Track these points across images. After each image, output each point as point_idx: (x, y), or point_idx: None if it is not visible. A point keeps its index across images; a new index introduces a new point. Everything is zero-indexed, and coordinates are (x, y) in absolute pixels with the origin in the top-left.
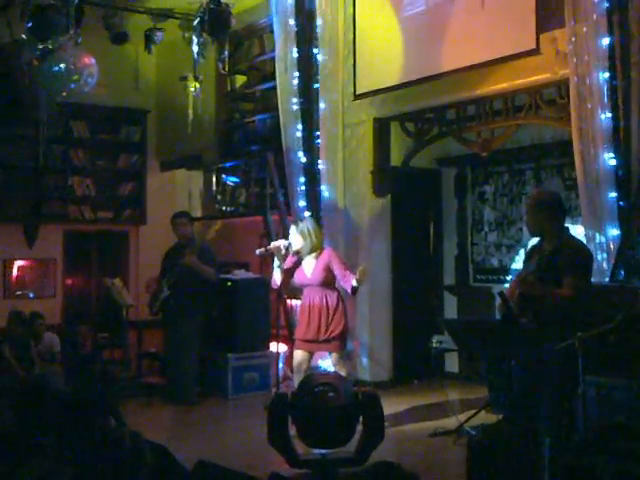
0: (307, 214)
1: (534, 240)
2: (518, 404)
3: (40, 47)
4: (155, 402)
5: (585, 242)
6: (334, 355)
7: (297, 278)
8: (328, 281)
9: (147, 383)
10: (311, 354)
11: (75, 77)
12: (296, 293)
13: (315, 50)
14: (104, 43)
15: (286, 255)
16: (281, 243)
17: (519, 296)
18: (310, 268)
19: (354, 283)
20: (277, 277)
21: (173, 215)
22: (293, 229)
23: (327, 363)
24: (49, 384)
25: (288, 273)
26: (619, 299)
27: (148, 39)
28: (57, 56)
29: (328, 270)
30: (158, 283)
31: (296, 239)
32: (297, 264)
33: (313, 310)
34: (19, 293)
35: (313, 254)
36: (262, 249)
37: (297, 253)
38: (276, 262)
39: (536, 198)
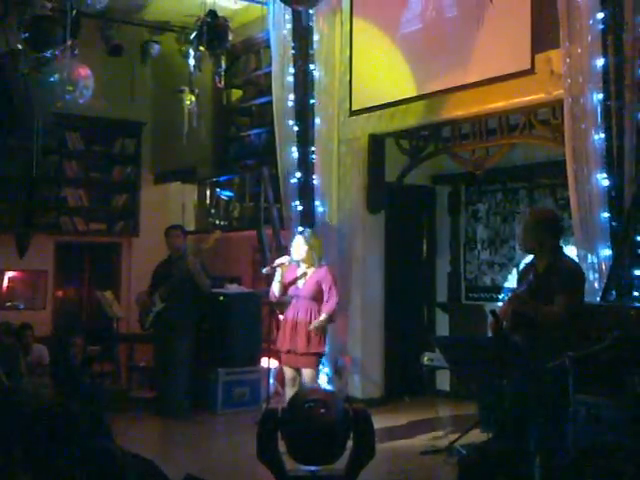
0: (301, 229)
1: (528, 258)
2: (509, 423)
3: (36, 58)
4: (144, 416)
5: (578, 261)
6: (308, 371)
7: (290, 289)
8: (316, 296)
9: (137, 397)
10: (298, 371)
11: (70, 88)
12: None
13: (311, 66)
14: (100, 55)
15: (289, 268)
16: (286, 259)
17: (512, 313)
18: (303, 280)
19: (313, 326)
20: (276, 290)
21: (167, 228)
22: (299, 239)
23: (321, 380)
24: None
25: (287, 287)
26: (610, 319)
27: (144, 51)
28: (53, 67)
29: (319, 286)
30: (149, 297)
31: (299, 250)
32: (296, 279)
33: (298, 322)
34: (9, 304)
35: (311, 268)
36: (268, 268)
37: (300, 262)
38: (277, 277)
39: (536, 215)
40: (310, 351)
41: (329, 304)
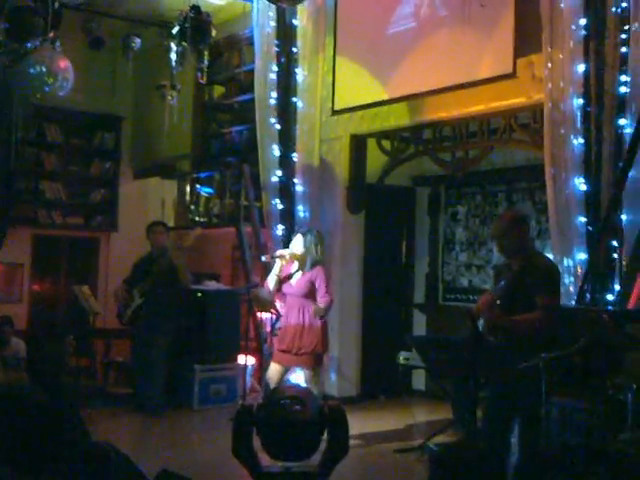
0: (281, 227)
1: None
2: (483, 422)
3: (16, 49)
4: (120, 412)
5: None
6: (306, 372)
7: (284, 287)
8: (309, 294)
9: (113, 393)
10: (286, 369)
11: (50, 80)
12: (266, 306)
13: (294, 64)
14: (81, 48)
15: (288, 263)
16: (287, 252)
17: (486, 323)
18: (296, 279)
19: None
20: (271, 283)
21: (150, 223)
22: (300, 239)
23: (299, 379)
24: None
25: (283, 281)
26: (585, 322)
27: (125, 45)
28: (33, 58)
29: (311, 284)
30: (128, 292)
31: (298, 249)
32: (292, 275)
33: (290, 321)
34: None
35: (308, 267)
36: (268, 256)
37: (297, 261)
38: (275, 270)
39: (512, 217)
40: (304, 351)
41: (325, 299)
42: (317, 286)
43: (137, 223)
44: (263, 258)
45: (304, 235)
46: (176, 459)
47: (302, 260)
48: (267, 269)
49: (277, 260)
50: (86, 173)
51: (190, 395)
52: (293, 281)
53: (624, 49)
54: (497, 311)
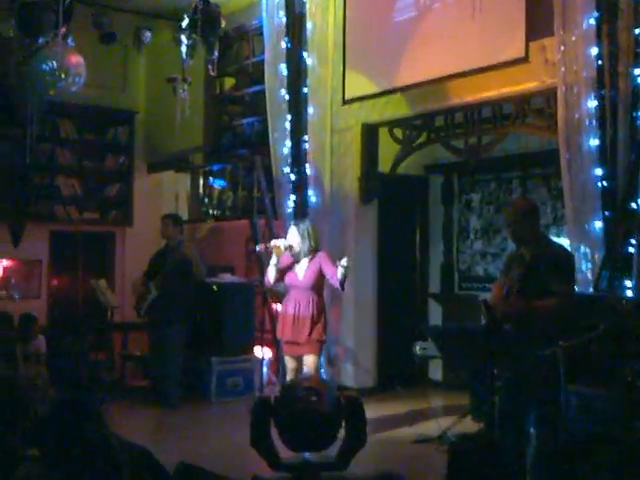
0: (297, 220)
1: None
2: (500, 412)
3: (28, 45)
4: (138, 405)
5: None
6: (310, 357)
7: (288, 279)
8: (317, 285)
9: (131, 386)
10: (299, 360)
11: (63, 75)
12: (280, 297)
13: (304, 54)
14: (93, 43)
15: (284, 254)
16: (282, 242)
17: (506, 315)
18: (302, 270)
19: (339, 275)
20: (271, 275)
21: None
22: (294, 230)
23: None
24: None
25: (282, 272)
26: (602, 310)
27: (137, 39)
28: (45, 54)
29: (319, 273)
30: (145, 285)
31: (295, 240)
32: (292, 265)
33: (299, 313)
34: (3, 293)
35: (308, 256)
36: (262, 246)
37: (295, 254)
38: (273, 260)
39: (524, 204)
40: (313, 338)
41: (336, 275)
42: (325, 269)
43: (152, 217)
44: (258, 248)
45: (297, 225)
46: (194, 451)
47: (299, 251)
48: (261, 259)
49: (273, 251)
50: (100, 168)
51: (208, 388)
52: (300, 274)
53: (638, 30)
54: (513, 299)
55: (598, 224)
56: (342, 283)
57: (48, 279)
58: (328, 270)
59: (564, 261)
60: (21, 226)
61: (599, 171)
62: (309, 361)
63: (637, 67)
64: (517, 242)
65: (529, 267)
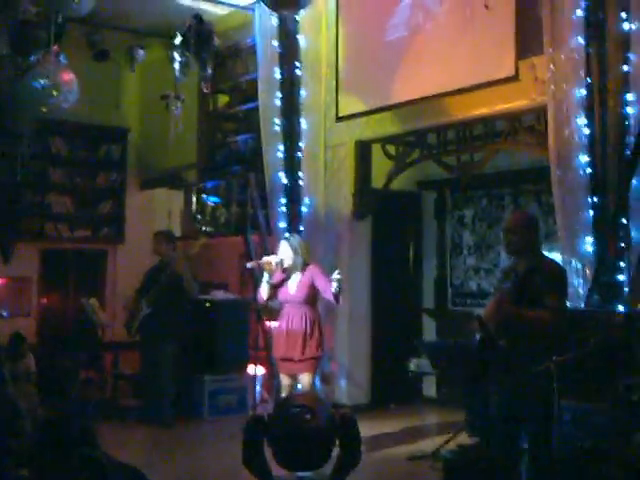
0: (287, 235)
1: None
2: (494, 428)
3: (21, 62)
4: (130, 424)
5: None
6: (307, 376)
7: (280, 294)
8: (310, 299)
9: (122, 405)
10: (294, 378)
11: (55, 93)
12: (274, 315)
13: (297, 71)
14: (86, 60)
15: (275, 270)
16: (273, 258)
17: (496, 324)
18: (294, 285)
19: (333, 289)
20: (264, 292)
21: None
22: (284, 244)
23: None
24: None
25: (275, 289)
26: (594, 324)
27: (130, 57)
28: (37, 71)
29: (312, 287)
30: (136, 302)
31: (287, 255)
32: (284, 280)
33: (292, 328)
34: None
35: (300, 270)
36: (254, 262)
37: (286, 269)
38: (265, 277)
39: (525, 218)
40: (307, 356)
41: (330, 288)
42: (317, 283)
43: (144, 234)
44: (249, 265)
45: (287, 240)
46: (186, 470)
47: (291, 266)
48: (255, 276)
49: (264, 267)
50: (92, 185)
51: (200, 406)
52: (292, 288)
53: (625, 49)
54: (505, 305)
55: (589, 239)
56: (337, 296)
57: (38, 297)
58: (321, 283)
59: (557, 275)
60: (11, 243)
61: (589, 187)
62: (304, 380)
63: (625, 84)
64: (512, 254)
65: (523, 279)
